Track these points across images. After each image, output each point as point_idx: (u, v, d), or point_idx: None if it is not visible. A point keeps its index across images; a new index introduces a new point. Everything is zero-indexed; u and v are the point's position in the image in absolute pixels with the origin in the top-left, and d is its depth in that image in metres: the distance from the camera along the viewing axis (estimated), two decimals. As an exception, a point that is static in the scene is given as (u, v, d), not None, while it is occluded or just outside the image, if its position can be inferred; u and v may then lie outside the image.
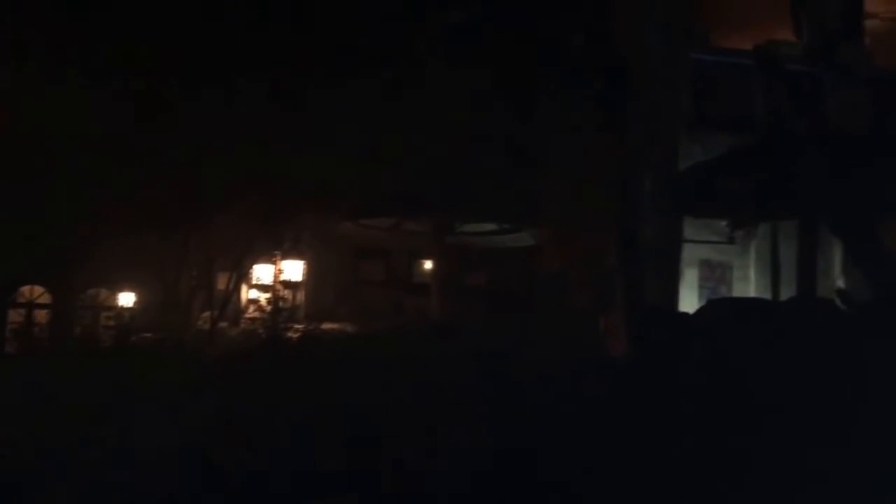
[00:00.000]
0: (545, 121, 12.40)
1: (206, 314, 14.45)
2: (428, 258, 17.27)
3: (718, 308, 7.13)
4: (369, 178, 12.77)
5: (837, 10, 8.66)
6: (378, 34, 11.43)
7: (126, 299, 16.92)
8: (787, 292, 10.03)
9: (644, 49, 11.01)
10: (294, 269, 15.21)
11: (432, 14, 10.48)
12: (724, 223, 10.98)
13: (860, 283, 5.94)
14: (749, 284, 11.49)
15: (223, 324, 15.00)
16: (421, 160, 12.31)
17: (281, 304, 14.43)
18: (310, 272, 16.62)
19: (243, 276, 15.22)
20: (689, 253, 11.41)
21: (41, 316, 18.06)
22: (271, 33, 11.48)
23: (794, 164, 5.70)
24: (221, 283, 15.11)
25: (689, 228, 11.20)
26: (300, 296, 16.92)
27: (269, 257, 15.29)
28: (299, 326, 12.53)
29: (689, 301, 10.95)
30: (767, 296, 10.58)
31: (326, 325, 13.13)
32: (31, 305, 18.46)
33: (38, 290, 18.46)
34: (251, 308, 15.75)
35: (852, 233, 5.16)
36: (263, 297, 15.21)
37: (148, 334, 13.00)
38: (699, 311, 7.07)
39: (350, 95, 11.25)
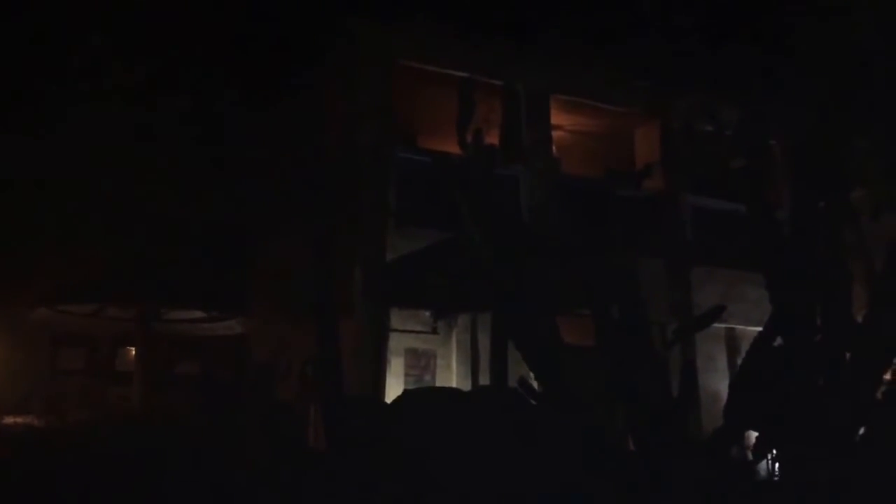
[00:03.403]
0: (252, 208, 12.31)
1: None
2: (134, 345, 16.22)
3: (411, 398, 7.28)
4: (65, 260, 11.86)
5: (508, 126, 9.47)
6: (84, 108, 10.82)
7: None
8: (485, 379, 10.55)
9: (354, 147, 11.37)
10: (-27, 359, 13.69)
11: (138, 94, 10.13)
12: (427, 313, 11.40)
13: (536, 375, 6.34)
14: (451, 372, 11.99)
15: None
16: (122, 244, 11.67)
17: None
18: (-5, 362, 15.01)
19: None
20: (396, 342, 11.71)
21: None
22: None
23: (477, 260, 6.02)
24: None
25: (396, 318, 11.51)
26: (-16, 388, 15.24)
27: (-56, 345, 13.69)
28: (-27, 422, 11.18)
29: (395, 389, 11.15)
30: (468, 383, 11.06)
31: (10, 420, 11.86)
32: None
33: None
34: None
35: (524, 330, 5.50)
36: None
37: None
38: (395, 401, 7.17)
39: (39, 172, 10.49)
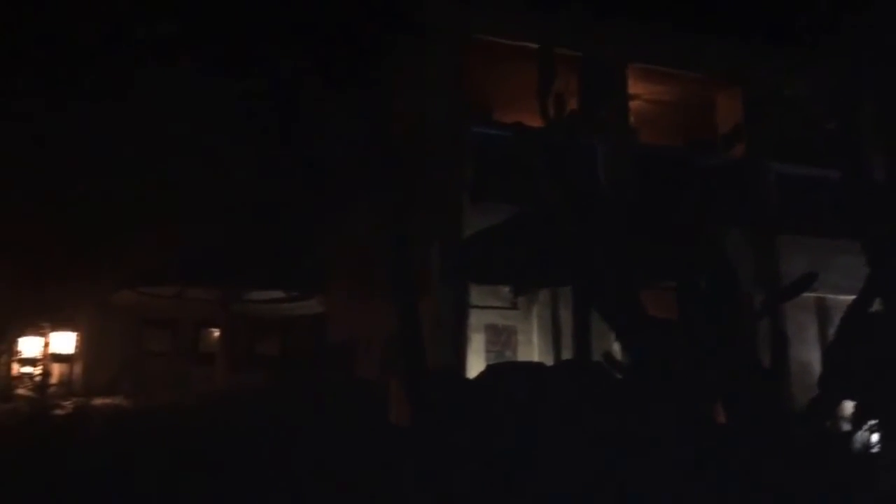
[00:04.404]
0: (329, 190, 12.37)
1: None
2: (216, 326, 16.60)
3: (495, 373, 7.23)
4: (148, 244, 12.18)
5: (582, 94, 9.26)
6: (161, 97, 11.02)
7: None
8: (567, 355, 10.42)
9: (428, 123, 11.29)
10: (65, 342, 14.23)
11: (213, 83, 10.25)
12: (507, 289, 11.29)
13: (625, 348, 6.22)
14: (533, 348, 11.86)
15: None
16: (203, 227, 11.90)
17: (50, 379, 13.45)
18: (87, 344, 15.55)
19: (6, 350, 13.99)
20: (477, 318, 11.63)
21: None
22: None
23: (562, 233, 5.91)
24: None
25: (476, 294, 11.44)
26: (77, 369, 15.82)
27: (38, 329, 14.25)
28: (67, 403, 11.58)
29: (477, 365, 11.12)
30: (549, 359, 10.93)
31: (99, 401, 12.26)
32: None
33: None
34: (20, 384, 14.64)
35: (611, 301, 5.38)
36: (33, 372, 14.23)
37: None
38: (478, 377, 7.14)
39: (131, 158, 10.75)
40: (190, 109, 11.07)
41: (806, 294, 7.82)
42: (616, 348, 9.10)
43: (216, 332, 16.86)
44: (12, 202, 10.76)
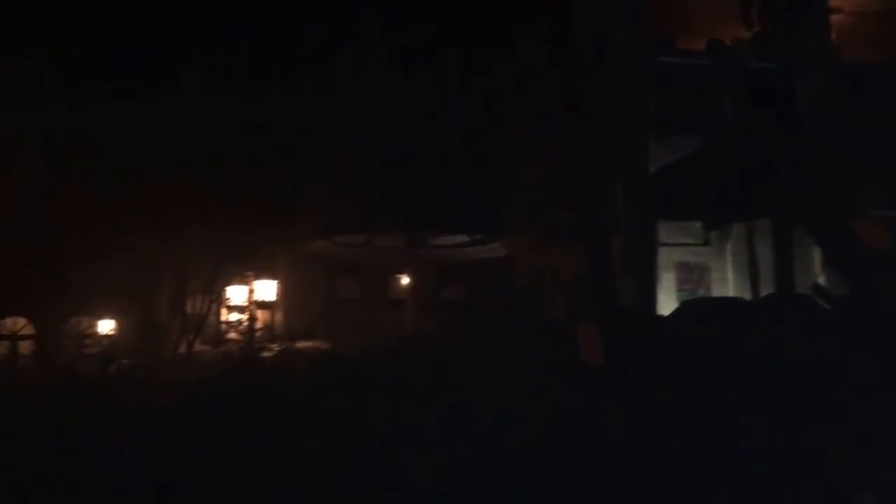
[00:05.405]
0: (513, 131, 12.24)
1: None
2: (403, 273, 17.05)
3: (692, 309, 6.99)
4: (338, 194, 12.62)
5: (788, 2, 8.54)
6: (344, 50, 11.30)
7: (106, 326, 16.59)
8: (766, 292, 9.89)
9: (610, 55, 10.89)
10: (267, 289, 15.07)
11: (393, 30, 10.34)
12: (698, 225, 10.84)
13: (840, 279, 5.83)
14: (727, 285, 11.36)
15: (203, 347, 14.80)
16: (388, 175, 12.18)
17: (256, 324, 14.35)
18: (285, 292, 16.41)
19: (216, 298, 15.02)
20: (666, 256, 11.26)
21: (25, 347, 17.60)
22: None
23: (762, 163, 5.56)
24: (201, 306, 14.99)
25: (664, 232, 11.07)
26: (278, 315, 16.75)
27: (243, 278, 15.18)
28: (274, 347, 12.33)
29: (668, 304, 10.79)
30: (746, 295, 10.44)
31: (301, 345, 12.94)
32: (14, 337, 17.97)
33: (21, 321, 18.00)
34: (230, 330, 15.72)
35: (825, 231, 5.02)
36: (241, 318, 15.21)
37: (126, 361, 12.74)
38: (673, 314, 6.92)
39: (318, 111, 11.12)
40: (370, 58, 11.25)
41: None
42: (822, 280, 8.53)
43: (403, 279, 17.33)
44: (224, 162, 11.45)
